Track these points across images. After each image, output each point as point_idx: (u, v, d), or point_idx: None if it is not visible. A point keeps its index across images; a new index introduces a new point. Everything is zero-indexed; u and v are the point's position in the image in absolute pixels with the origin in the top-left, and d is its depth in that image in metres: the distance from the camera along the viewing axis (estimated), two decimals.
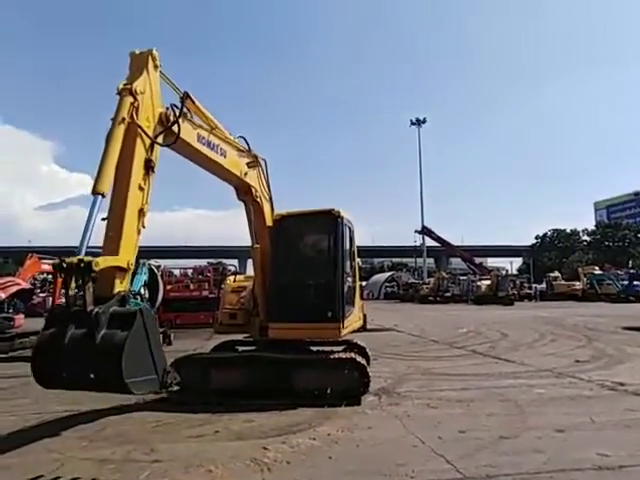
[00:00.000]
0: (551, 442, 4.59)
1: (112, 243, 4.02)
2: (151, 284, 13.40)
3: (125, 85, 4.25)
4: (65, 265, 3.39)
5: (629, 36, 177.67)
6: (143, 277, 13.23)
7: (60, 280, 15.47)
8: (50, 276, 19.78)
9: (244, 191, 6.45)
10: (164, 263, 25.68)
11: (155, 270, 14.11)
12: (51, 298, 16.10)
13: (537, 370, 8.40)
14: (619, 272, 40.00)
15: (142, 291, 12.77)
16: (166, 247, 74.70)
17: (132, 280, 13.16)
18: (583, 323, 17.26)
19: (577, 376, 7.74)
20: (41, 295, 25.96)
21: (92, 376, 3.35)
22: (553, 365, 8.79)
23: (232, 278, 8.13)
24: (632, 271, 40.51)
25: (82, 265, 3.41)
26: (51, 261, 15.23)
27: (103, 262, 3.62)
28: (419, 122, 63.72)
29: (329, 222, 6.68)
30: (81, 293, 3.50)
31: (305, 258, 7.27)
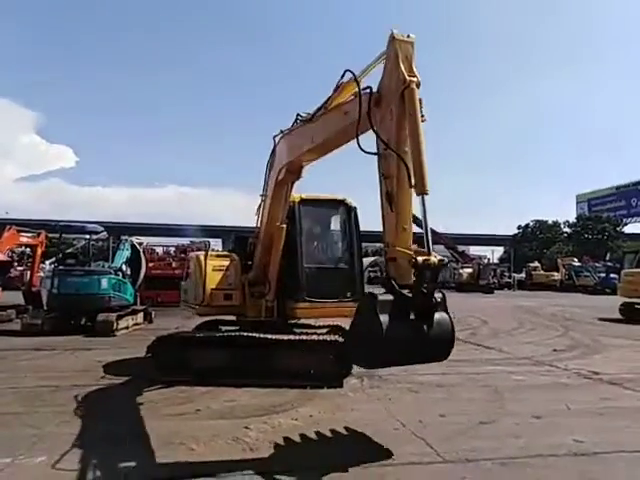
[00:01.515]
0: (529, 428, 4.68)
1: (408, 235, 4.03)
2: (133, 261, 13.24)
3: (412, 77, 3.90)
4: (424, 262, 3.60)
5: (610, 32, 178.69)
6: (125, 253, 13.07)
7: (40, 253, 15.21)
8: (29, 249, 19.35)
9: (300, 170, 6.11)
10: (146, 240, 25.35)
11: (137, 246, 13.93)
12: (29, 272, 15.76)
13: (516, 358, 8.56)
14: (597, 264, 40.81)
15: (124, 267, 12.60)
16: (148, 224, 73.80)
17: (114, 256, 13.02)
18: (560, 313, 17.64)
19: (554, 364, 7.91)
20: (19, 268, 25.46)
21: (425, 352, 3.80)
22: (531, 353, 8.97)
23: (201, 255, 7.27)
24: (609, 264, 41.36)
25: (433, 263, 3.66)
26: (30, 234, 14.91)
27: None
28: None
29: (344, 210, 7.21)
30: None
31: (325, 243, 7.59)
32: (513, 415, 5.09)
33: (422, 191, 3.80)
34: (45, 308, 11.79)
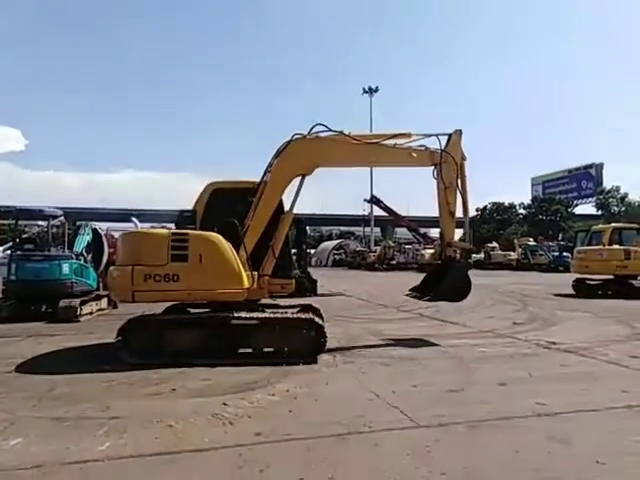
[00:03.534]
0: (495, 394, 4.94)
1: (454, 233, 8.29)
2: (95, 246, 12.84)
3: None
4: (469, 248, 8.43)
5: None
6: (86, 238, 12.67)
7: None
8: None
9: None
10: (106, 226, 24.51)
11: (99, 231, 13.51)
12: None
13: (479, 331, 8.93)
14: (551, 244, 42.60)
15: (85, 253, 12.21)
16: (105, 209, 71.46)
17: (73, 241, 12.58)
18: (518, 290, 18.40)
19: (515, 336, 8.31)
20: None
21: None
22: (493, 327, 9.37)
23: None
24: (562, 243, 43.29)
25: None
26: None
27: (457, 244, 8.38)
28: (371, 91, 63.59)
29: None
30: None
31: None
32: (480, 383, 5.35)
33: (467, 214, 8.24)
34: (1, 295, 11.30)
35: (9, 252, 12.18)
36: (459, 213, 8.18)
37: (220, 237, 6.32)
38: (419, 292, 8.38)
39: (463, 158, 8.05)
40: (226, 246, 6.28)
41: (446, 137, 8.00)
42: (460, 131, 8.06)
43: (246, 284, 6.35)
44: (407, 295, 8.74)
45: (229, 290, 6.23)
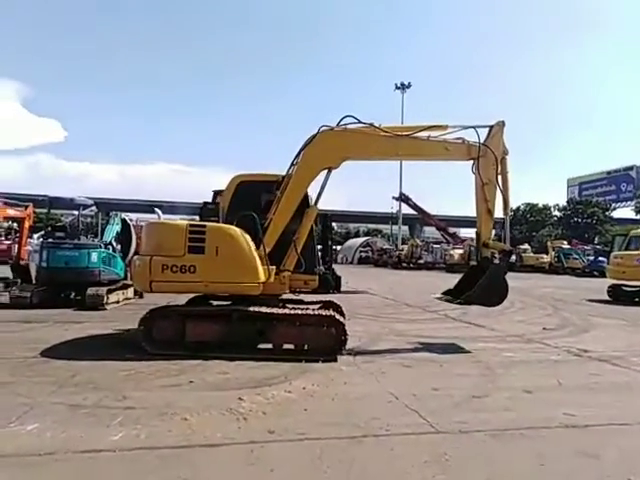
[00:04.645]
0: (520, 402, 4.73)
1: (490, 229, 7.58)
2: (124, 236, 13.07)
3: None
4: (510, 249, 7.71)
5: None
6: (115, 228, 12.91)
7: (27, 226, 14.91)
8: (16, 224, 19.00)
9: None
10: (136, 217, 25.03)
11: (128, 221, 13.74)
12: (17, 245, 15.48)
13: (507, 335, 8.64)
14: (586, 247, 41.22)
15: (114, 242, 12.45)
16: (137, 200, 73.00)
17: (104, 231, 12.84)
18: (550, 294, 17.83)
19: (544, 342, 7.99)
20: (5, 242, 25.06)
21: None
22: (522, 331, 9.06)
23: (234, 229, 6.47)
24: (598, 247, 41.81)
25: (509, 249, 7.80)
26: (17, 207, 14.62)
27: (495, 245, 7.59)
28: (403, 86, 62.76)
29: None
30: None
31: None
32: (504, 390, 5.13)
33: (507, 213, 7.64)
34: (34, 282, 11.64)
35: (41, 240, 12.53)
36: (498, 212, 7.59)
37: (237, 230, 6.27)
38: (452, 295, 7.73)
39: (505, 152, 7.45)
40: (242, 239, 6.21)
41: (487, 129, 7.45)
42: (503, 122, 7.47)
43: (262, 278, 6.25)
44: (439, 298, 8.14)
45: (244, 283, 6.18)
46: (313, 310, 6.72)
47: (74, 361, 5.75)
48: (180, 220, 7.24)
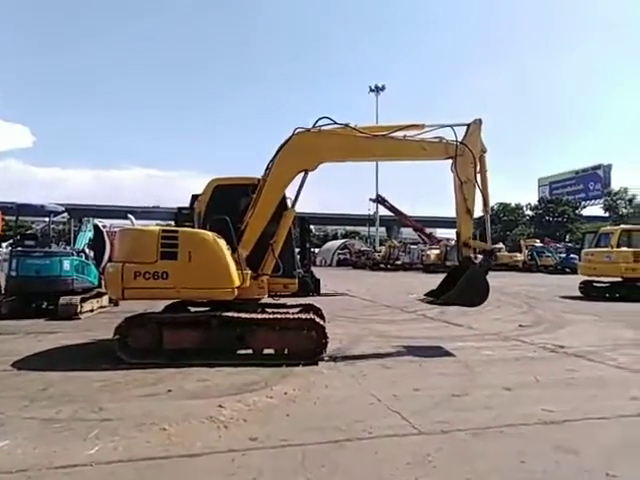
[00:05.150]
0: (499, 399, 4.78)
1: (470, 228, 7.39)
2: (97, 243, 12.76)
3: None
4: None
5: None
6: (88, 234, 12.61)
7: None
8: None
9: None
10: (109, 222, 24.51)
11: (101, 227, 13.43)
12: None
13: (484, 333, 8.76)
14: (558, 245, 42.20)
15: (86, 249, 12.14)
16: (111, 206, 71.57)
17: (76, 238, 12.52)
18: (524, 292, 18.17)
19: (521, 339, 8.13)
20: None
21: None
22: (499, 329, 9.20)
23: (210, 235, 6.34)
24: (569, 245, 42.86)
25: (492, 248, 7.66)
26: None
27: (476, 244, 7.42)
28: (377, 89, 63.30)
29: None
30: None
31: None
32: (484, 388, 5.19)
33: (487, 211, 7.36)
34: (3, 292, 11.24)
35: (10, 248, 12.13)
36: (478, 211, 7.47)
37: (210, 234, 6.17)
38: (435, 296, 7.65)
39: (483, 150, 7.38)
40: (215, 244, 6.10)
41: (465, 128, 7.39)
42: (480, 120, 7.40)
43: (236, 283, 6.15)
44: (421, 300, 8.03)
45: (218, 288, 6.07)
46: (293, 314, 6.68)
47: (47, 372, 5.56)
48: (153, 226, 7.08)
